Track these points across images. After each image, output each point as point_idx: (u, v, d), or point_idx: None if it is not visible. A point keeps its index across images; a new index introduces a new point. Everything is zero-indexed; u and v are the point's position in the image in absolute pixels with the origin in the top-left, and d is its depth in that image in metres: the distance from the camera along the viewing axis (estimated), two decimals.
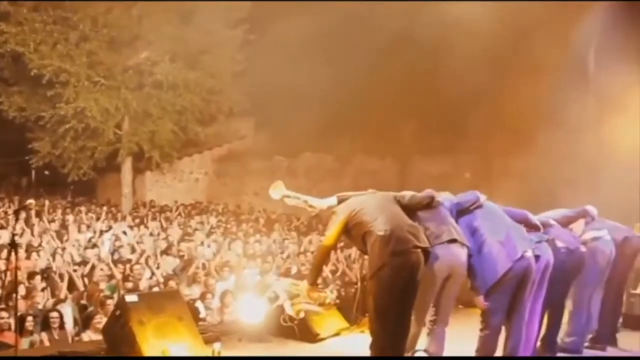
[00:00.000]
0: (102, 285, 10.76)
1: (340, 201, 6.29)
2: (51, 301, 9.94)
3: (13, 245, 6.62)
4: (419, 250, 5.89)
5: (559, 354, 7.56)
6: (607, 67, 14.23)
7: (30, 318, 8.62)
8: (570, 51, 14.55)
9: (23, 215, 14.35)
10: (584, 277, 7.55)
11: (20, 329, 8.03)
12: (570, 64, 14.51)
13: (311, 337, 8.12)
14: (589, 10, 14.49)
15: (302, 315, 8.32)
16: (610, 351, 8.10)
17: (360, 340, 6.07)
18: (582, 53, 14.79)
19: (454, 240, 6.25)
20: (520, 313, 6.56)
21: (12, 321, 8.28)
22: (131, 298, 7.32)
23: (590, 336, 8.15)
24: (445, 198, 6.63)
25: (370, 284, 5.97)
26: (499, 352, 6.65)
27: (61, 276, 10.95)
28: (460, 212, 6.62)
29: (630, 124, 13.06)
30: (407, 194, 6.35)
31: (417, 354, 6.26)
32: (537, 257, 6.52)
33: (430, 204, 6.37)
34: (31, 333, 8.55)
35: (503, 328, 6.59)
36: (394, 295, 5.81)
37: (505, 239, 6.42)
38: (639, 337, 8.93)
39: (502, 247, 6.37)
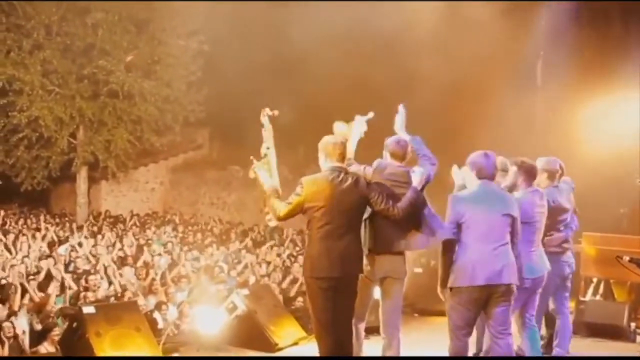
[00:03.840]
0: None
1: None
2: (4, 313, 9.83)
3: None
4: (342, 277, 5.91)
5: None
6: (555, 75, 14.56)
7: None
8: (518, 61, 14.88)
9: None
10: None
11: None
12: (518, 74, 14.81)
13: (270, 347, 8.18)
14: (534, 21, 14.86)
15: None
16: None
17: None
18: (530, 62, 15.10)
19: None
20: None
21: None
22: (88, 309, 7.32)
23: (540, 342, 8.33)
24: None
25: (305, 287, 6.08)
26: None
27: (15, 287, 10.84)
28: None
29: (578, 128, 13.41)
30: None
31: None
32: None
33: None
34: None
35: None
36: (324, 306, 5.88)
37: None
38: (588, 342, 9.19)
39: None
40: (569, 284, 7.78)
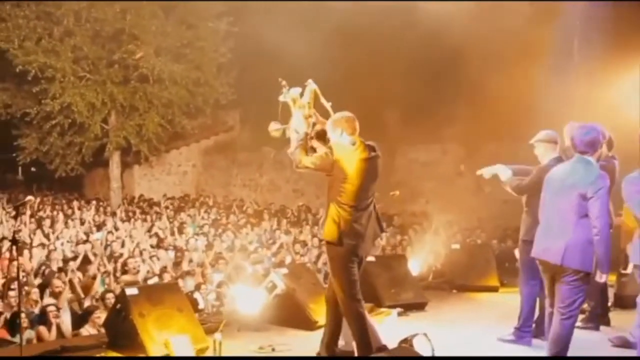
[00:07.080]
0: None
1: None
2: (49, 299, 9.85)
3: (14, 242, 6.60)
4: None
5: None
6: (591, 51, 14.42)
7: (22, 315, 8.59)
8: (555, 38, 14.73)
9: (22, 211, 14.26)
10: None
11: (15, 326, 7.99)
12: (555, 50, 14.68)
13: (310, 324, 8.21)
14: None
15: None
16: (604, 330, 8.24)
17: None
18: (566, 39, 14.96)
19: None
20: None
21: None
22: (131, 291, 7.38)
23: (582, 316, 8.26)
24: None
25: (326, 250, 6.16)
26: None
27: (55, 273, 10.95)
28: None
29: (616, 101, 13.26)
30: None
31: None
32: None
33: None
34: (26, 329, 8.54)
35: None
36: (349, 277, 5.97)
37: None
38: (630, 315, 9.08)
39: None
40: None
